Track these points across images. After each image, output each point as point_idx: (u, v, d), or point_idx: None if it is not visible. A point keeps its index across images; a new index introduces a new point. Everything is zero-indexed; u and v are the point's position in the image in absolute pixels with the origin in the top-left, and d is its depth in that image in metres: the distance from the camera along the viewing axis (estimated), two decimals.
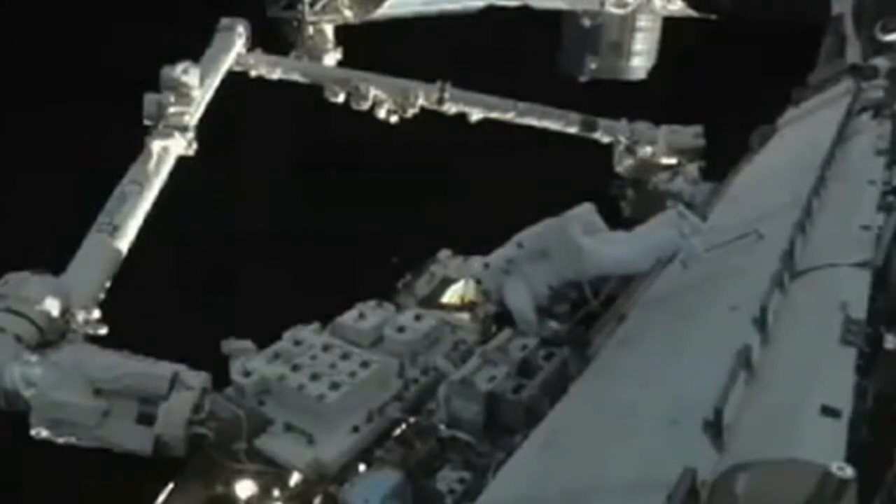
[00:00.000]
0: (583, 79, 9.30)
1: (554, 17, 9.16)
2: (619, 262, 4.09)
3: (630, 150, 8.35)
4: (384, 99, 7.65)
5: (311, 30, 8.10)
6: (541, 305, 4.08)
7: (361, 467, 3.53)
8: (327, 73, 7.92)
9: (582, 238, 4.01)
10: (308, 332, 4.32)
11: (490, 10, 8.76)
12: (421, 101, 7.73)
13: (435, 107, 7.82)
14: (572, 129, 8.29)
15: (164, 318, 7.57)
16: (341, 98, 7.64)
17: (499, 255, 4.20)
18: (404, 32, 8.50)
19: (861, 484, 1.67)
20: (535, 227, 4.19)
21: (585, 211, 4.26)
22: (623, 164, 8.44)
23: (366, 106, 7.61)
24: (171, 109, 5.97)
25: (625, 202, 8.26)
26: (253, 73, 7.57)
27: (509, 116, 8.10)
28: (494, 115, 8.07)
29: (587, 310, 4.22)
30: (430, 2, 8.55)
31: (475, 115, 7.99)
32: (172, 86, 6.07)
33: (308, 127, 9.90)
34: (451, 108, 7.87)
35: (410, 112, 7.73)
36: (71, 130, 9.37)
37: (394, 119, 7.74)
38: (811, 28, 8.08)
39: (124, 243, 5.12)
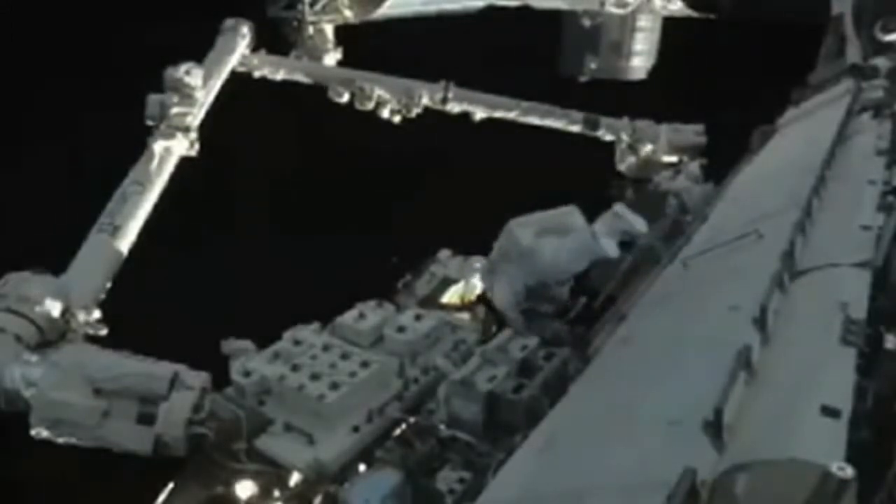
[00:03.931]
0: (583, 79, 9.28)
1: (554, 17, 9.15)
2: (555, 265, 4.19)
3: (632, 149, 8.35)
4: (388, 99, 7.65)
5: (311, 30, 8.10)
6: (521, 303, 4.15)
7: (361, 467, 3.54)
8: (331, 74, 7.92)
9: (526, 241, 4.11)
10: (308, 332, 4.33)
11: (490, 10, 8.75)
12: (425, 101, 7.73)
13: (439, 106, 7.82)
14: (575, 128, 8.30)
15: (164, 318, 7.56)
16: (345, 98, 7.65)
17: (489, 257, 4.33)
18: (404, 32, 8.49)
19: (861, 484, 1.67)
20: None
21: (561, 213, 4.34)
22: (625, 162, 8.44)
23: (370, 106, 7.61)
24: (174, 110, 5.99)
25: (624, 202, 8.24)
26: (256, 74, 7.57)
27: (512, 115, 8.12)
28: (498, 114, 8.08)
29: (565, 309, 4.28)
30: (430, 2, 8.54)
31: (479, 114, 8.00)
32: (175, 87, 6.09)
33: (309, 126, 9.90)
34: (454, 108, 7.88)
35: (414, 112, 7.73)
36: (73, 131, 9.37)
37: (397, 119, 7.75)
38: (811, 28, 8.06)
39: (125, 243, 5.13)
